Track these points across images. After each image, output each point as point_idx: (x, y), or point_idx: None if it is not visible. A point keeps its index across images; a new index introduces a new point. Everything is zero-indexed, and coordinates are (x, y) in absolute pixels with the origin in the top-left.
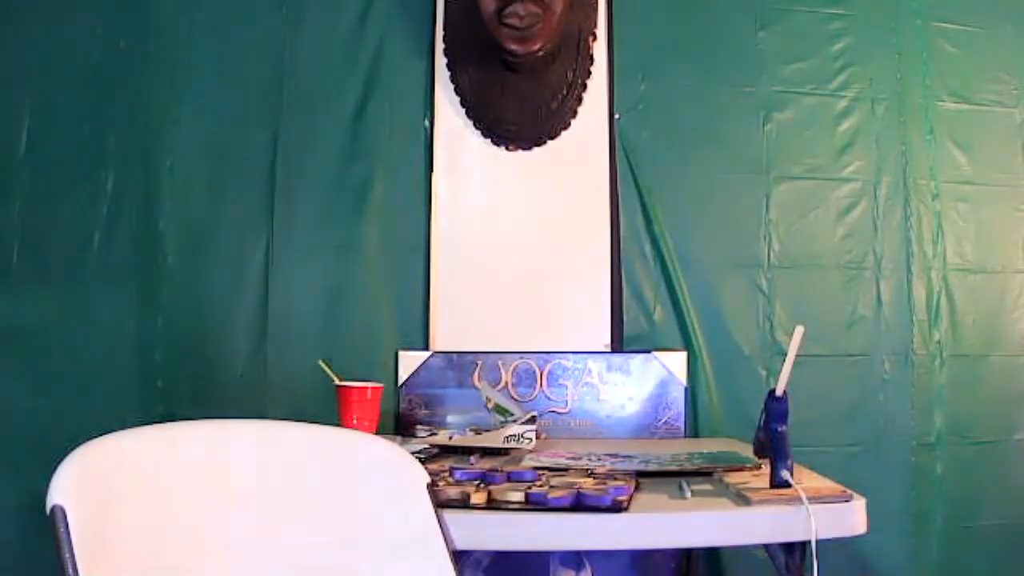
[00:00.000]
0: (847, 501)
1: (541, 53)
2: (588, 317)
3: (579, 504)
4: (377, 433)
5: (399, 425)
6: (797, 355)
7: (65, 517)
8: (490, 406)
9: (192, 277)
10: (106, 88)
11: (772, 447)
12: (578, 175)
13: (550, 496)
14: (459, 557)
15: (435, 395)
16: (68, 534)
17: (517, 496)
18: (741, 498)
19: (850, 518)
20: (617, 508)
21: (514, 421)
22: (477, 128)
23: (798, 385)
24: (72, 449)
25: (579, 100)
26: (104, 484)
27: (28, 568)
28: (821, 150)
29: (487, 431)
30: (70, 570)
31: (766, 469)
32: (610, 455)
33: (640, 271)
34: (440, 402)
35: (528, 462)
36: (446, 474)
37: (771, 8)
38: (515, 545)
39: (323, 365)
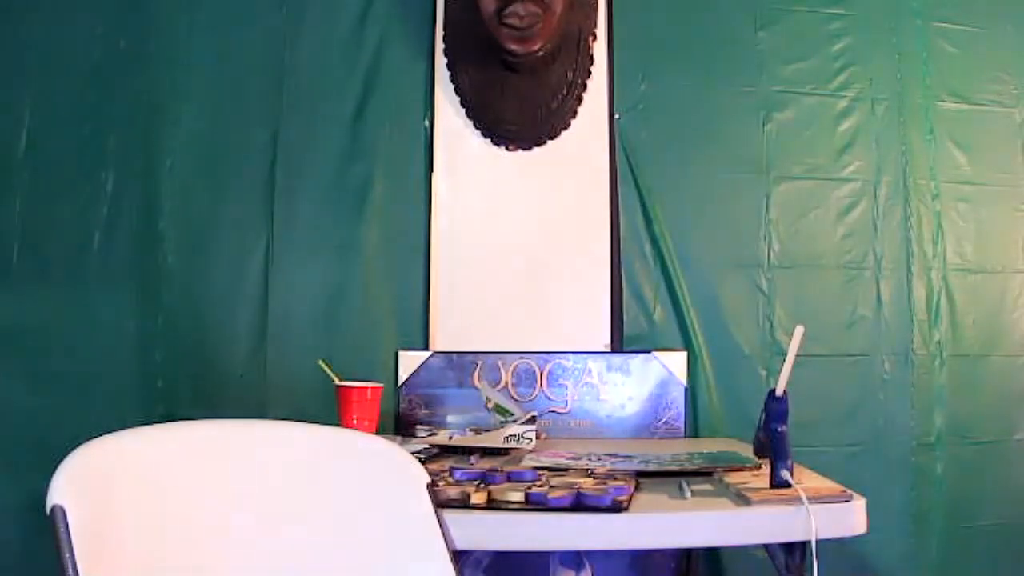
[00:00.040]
0: (847, 501)
1: (541, 53)
2: (588, 317)
3: (579, 504)
4: (377, 433)
5: (399, 425)
6: (797, 355)
7: (65, 517)
8: (490, 406)
9: (192, 277)
10: (106, 88)
11: (772, 447)
12: (578, 175)
13: (550, 496)
14: (459, 557)
15: (435, 395)
16: (68, 534)
17: (517, 496)
18: (741, 498)
19: (850, 518)
20: (617, 508)
21: (514, 421)
22: (477, 128)
23: (798, 385)
24: (72, 449)
25: (579, 100)
26: (104, 484)
27: (28, 568)
28: (821, 150)
29: (487, 431)
30: (70, 570)
31: (766, 469)
32: (610, 455)
33: (640, 271)
34: (440, 402)
35: (528, 462)
36: (446, 474)
37: (771, 8)
38: (515, 545)
39: (323, 365)
